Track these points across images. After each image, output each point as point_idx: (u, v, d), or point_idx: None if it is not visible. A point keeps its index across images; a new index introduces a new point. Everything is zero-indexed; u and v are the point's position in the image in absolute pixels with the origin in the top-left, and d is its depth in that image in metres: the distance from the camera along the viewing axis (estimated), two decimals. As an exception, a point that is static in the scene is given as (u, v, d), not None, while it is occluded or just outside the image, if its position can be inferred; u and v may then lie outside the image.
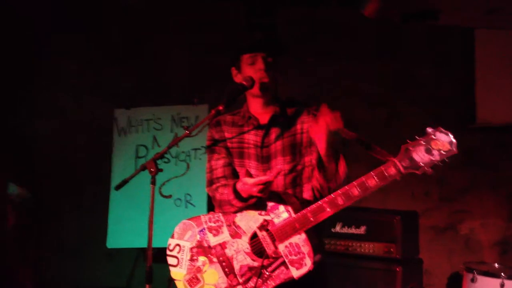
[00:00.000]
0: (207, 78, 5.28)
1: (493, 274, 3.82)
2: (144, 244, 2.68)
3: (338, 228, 4.32)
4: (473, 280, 3.86)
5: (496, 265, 4.14)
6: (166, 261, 2.71)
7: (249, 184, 2.47)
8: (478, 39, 4.95)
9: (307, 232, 2.49)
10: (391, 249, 4.09)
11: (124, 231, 4.89)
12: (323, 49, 5.32)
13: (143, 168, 2.69)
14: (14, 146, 5.22)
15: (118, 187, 2.83)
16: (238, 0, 5.30)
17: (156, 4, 5.52)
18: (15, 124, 5.36)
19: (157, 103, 5.17)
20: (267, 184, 2.46)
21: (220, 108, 2.62)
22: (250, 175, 2.58)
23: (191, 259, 2.65)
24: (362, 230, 4.24)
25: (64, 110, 5.54)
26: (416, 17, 4.60)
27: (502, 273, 3.77)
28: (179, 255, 2.67)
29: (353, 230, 4.27)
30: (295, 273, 2.47)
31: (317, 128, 2.46)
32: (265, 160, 2.69)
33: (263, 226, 2.54)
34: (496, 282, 3.75)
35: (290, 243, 2.49)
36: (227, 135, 2.78)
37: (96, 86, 5.54)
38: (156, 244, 2.75)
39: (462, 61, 5.07)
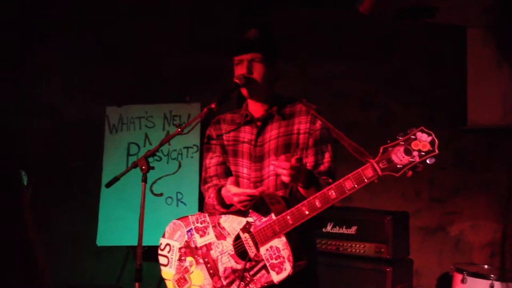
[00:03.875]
0: (200, 76, 5.27)
1: (483, 276, 3.84)
2: (134, 242, 2.67)
3: (329, 228, 4.32)
4: (463, 281, 3.87)
5: (486, 266, 4.16)
6: (156, 259, 2.70)
7: (231, 192, 2.46)
8: (470, 40, 4.96)
9: (288, 235, 2.43)
10: (382, 249, 4.10)
11: (114, 229, 4.88)
12: (315, 49, 5.32)
13: (134, 165, 2.68)
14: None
15: (109, 184, 2.82)
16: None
17: (148, 2, 5.51)
18: (5, 122, 5.32)
19: (149, 101, 5.16)
20: (251, 197, 2.44)
21: (212, 106, 2.60)
22: (237, 184, 2.55)
23: (180, 259, 2.66)
24: (353, 230, 4.25)
25: (55, 107, 5.51)
26: (411, 14, 4.60)
27: (491, 275, 3.79)
28: (169, 255, 2.68)
29: (344, 230, 4.28)
30: (275, 277, 2.42)
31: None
32: (258, 159, 2.67)
33: (246, 228, 2.51)
34: (485, 283, 3.77)
35: (270, 246, 2.45)
36: (224, 133, 2.78)
37: (87, 83, 5.51)
38: (146, 242, 2.74)
39: (454, 62, 5.08)
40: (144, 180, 2.65)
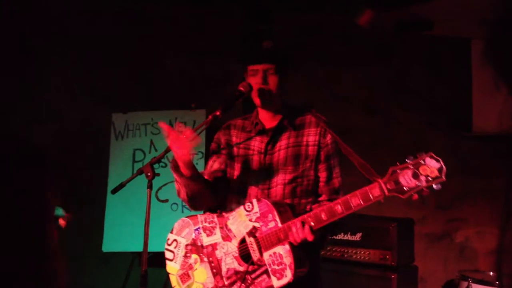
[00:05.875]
0: (205, 83, 5.29)
1: (488, 283, 3.83)
2: (139, 248, 2.69)
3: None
4: (467, 288, 3.87)
5: (491, 273, 4.15)
6: (161, 265, 2.73)
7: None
8: (474, 49, 4.98)
9: (292, 244, 2.48)
10: (387, 256, 4.10)
11: (120, 235, 4.89)
12: (318, 54, 5.33)
13: (140, 172, 2.70)
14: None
15: (115, 191, 2.83)
16: (235, 6, 5.32)
17: (153, 9, 5.54)
18: (12, 129, 5.35)
19: (155, 108, 5.18)
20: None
21: (217, 113, 2.63)
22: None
23: (185, 256, 2.71)
24: (358, 236, 4.25)
25: (61, 114, 5.53)
26: (410, 27, 4.63)
27: (496, 282, 3.78)
28: (175, 250, 2.73)
29: (349, 237, 4.28)
30: (276, 283, 2.47)
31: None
32: (267, 167, 2.71)
33: (252, 233, 2.56)
34: (490, 290, 3.77)
35: (274, 253, 2.50)
36: (234, 139, 2.82)
37: (93, 90, 5.54)
38: (151, 248, 2.75)
39: (459, 69, 5.09)
40: (150, 186, 2.66)
